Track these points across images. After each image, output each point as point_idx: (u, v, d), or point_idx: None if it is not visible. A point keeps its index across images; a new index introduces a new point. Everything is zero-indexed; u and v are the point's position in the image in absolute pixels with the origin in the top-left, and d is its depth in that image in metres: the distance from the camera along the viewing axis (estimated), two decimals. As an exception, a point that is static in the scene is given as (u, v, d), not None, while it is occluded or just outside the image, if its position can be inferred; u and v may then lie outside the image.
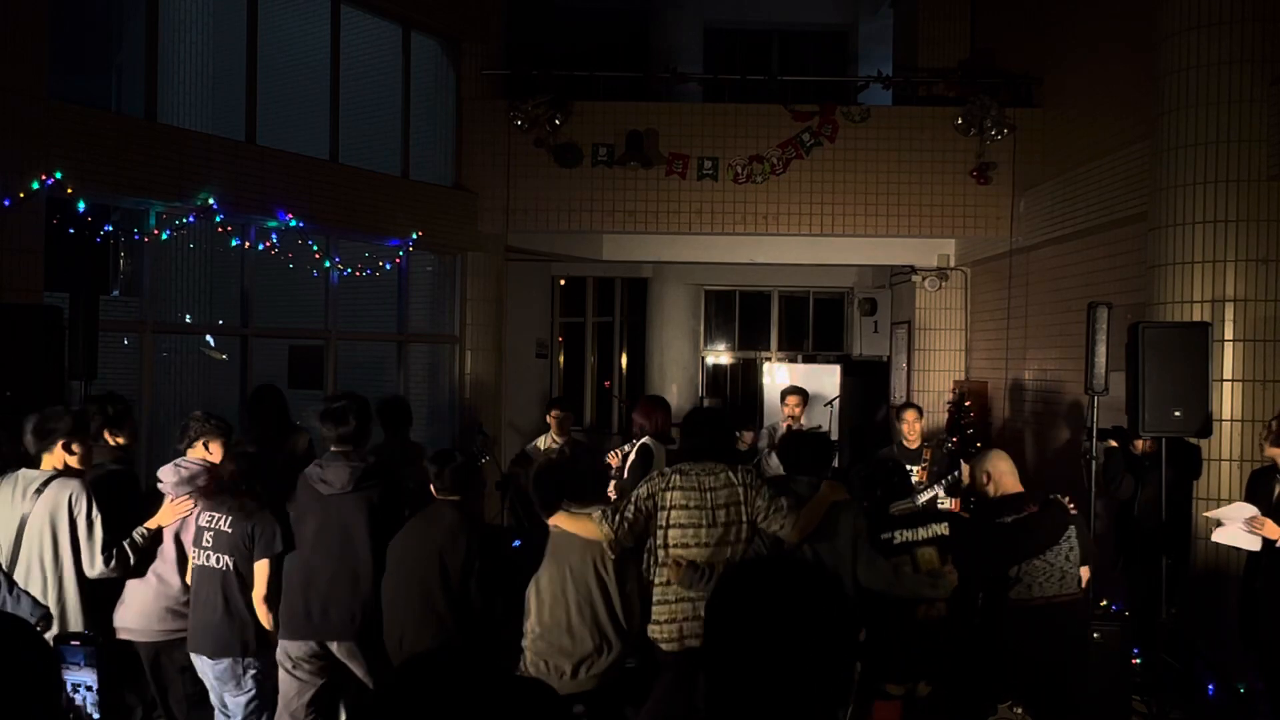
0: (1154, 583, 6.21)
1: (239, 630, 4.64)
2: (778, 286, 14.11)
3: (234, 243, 8.78)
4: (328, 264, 9.48)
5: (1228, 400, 6.79)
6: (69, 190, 7.30)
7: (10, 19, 7.02)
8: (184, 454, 5.05)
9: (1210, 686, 6.22)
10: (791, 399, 8.38)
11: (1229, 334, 6.81)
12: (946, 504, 7.06)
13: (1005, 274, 10.41)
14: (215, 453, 5.02)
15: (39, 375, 6.35)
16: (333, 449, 4.85)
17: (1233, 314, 6.81)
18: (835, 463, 6.14)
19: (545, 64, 10.40)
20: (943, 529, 4.94)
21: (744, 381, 14.29)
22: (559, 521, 4.71)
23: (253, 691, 4.73)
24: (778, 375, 12.20)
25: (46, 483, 4.61)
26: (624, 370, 14.51)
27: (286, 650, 4.77)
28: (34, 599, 4.29)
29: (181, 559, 4.89)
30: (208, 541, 4.68)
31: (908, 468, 7.82)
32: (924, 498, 5.43)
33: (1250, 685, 5.93)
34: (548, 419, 7.90)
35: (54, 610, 4.43)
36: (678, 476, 4.72)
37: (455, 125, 10.63)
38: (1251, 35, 6.75)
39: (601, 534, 4.62)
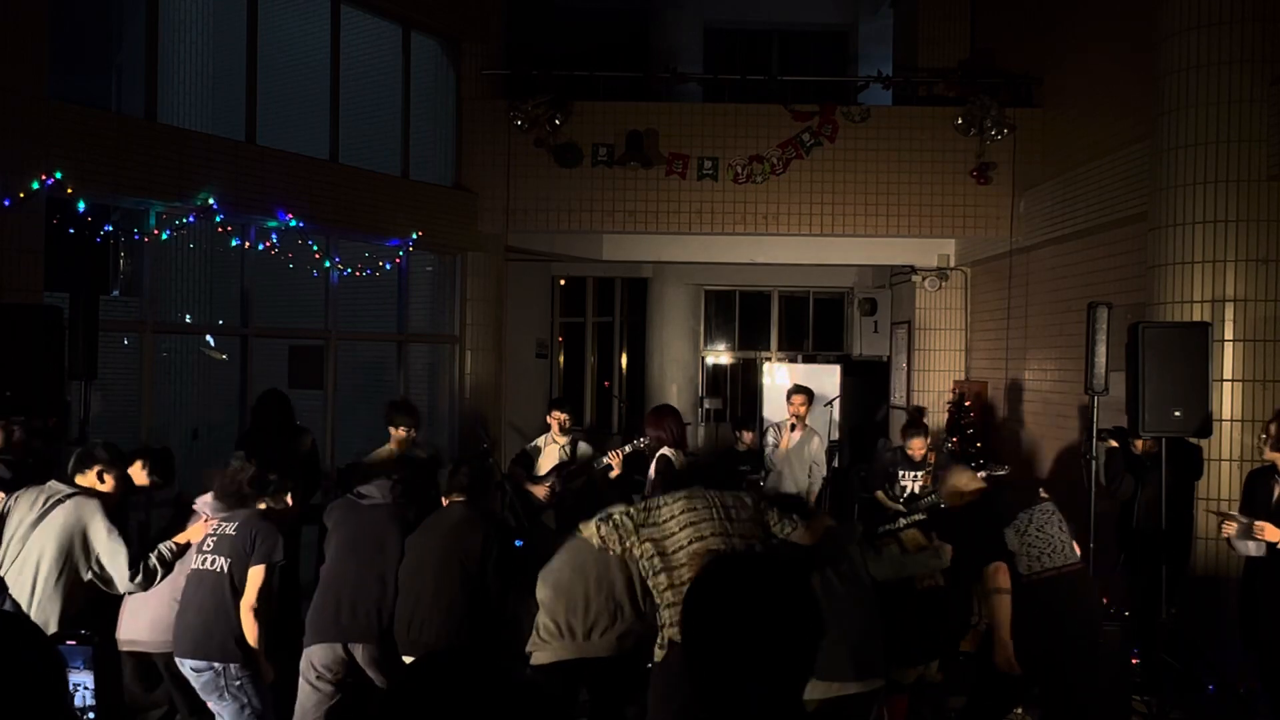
0: (1154, 583, 6.21)
1: (220, 635, 4.56)
2: (778, 286, 14.10)
3: (234, 243, 8.78)
4: (328, 264, 9.47)
5: (1228, 400, 6.79)
6: (69, 190, 7.30)
7: (10, 19, 7.02)
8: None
9: (1210, 686, 6.23)
10: (797, 398, 8.42)
11: (1229, 334, 6.81)
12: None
13: (1005, 274, 10.41)
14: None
15: (39, 375, 6.35)
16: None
17: (1233, 314, 6.82)
18: (835, 463, 6.19)
19: (545, 64, 10.40)
20: (920, 517, 5.47)
21: (744, 381, 14.28)
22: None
23: (237, 706, 4.61)
24: (778, 375, 12.18)
25: (69, 496, 4.71)
26: (624, 370, 14.52)
27: (311, 659, 4.83)
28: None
29: None
30: (209, 545, 4.71)
31: (912, 474, 7.89)
32: (904, 522, 5.62)
33: (1250, 685, 5.93)
34: (548, 419, 7.90)
35: (37, 620, 4.42)
36: (683, 501, 4.60)
37: (455, 125, 10.63)
38: (1251, 35, 6.76)
39: (587, 533, 4.66)
